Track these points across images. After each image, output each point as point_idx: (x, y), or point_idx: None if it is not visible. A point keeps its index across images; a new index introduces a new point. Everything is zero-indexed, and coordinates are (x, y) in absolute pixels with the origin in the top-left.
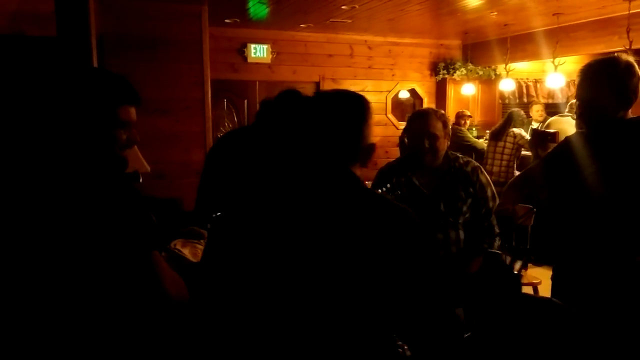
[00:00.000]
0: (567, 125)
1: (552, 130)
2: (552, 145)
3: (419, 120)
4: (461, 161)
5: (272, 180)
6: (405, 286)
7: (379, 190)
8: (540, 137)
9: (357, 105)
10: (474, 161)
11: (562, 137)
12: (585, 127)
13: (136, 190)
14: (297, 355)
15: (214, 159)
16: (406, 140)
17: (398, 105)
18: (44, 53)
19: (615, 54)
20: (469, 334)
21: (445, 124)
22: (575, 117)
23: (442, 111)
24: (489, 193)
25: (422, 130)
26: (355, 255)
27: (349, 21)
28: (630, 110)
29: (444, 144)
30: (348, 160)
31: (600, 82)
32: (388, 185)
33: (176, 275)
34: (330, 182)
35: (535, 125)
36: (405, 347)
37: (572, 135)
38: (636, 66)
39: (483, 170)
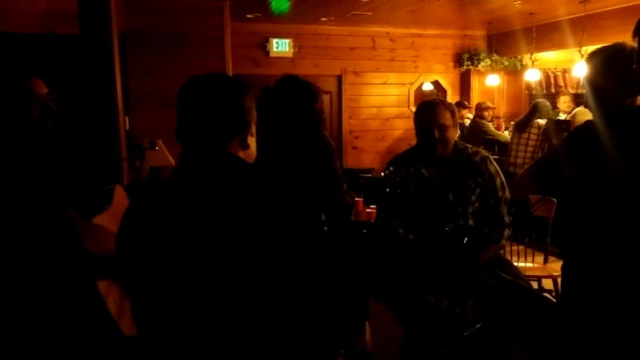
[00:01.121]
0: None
1: (566, 119)
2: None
3: (427, 111)
4: (470, 151)
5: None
6: (289, 251)
7: (382, 173)
8: (555, 126)
9: (222, 85)
10: (483, 151)
11: None
12: (594, 115)
13: (53, 156)
14: (201, 326)
15: None
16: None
17: (421, 98)
18: (71, 51)
19: (622, 41)
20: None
21: (453, 112)
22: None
23: (449, 101)
24: (498, 183)
25: (432, 121)
26: (231, 232)
27: (370, 14)
28: (639, 98)
29: (453, 134)
30: (220, 140)
31: (606, 70)
32: (391, 168)
33: (100, 230)
34: (202, 164)
35: (562, 116)
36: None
37: (590, 120)
38: None
39: (492, 160)
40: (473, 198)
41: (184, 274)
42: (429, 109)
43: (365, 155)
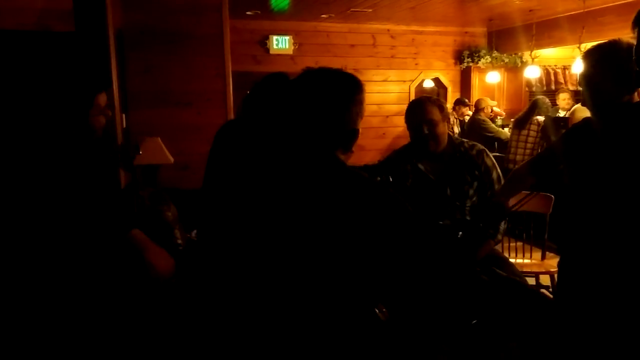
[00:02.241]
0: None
1: (565, 116)
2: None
3: (414, 109)
4: (466, 145)
5: (258, 166)
6: (387, 255)
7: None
8: (553, 123)
9: (342, 87)
10: (479, 145)
11: None
12: (591, 112)
13: (113, 173)
14: (278, 321)
15: (212, 149)
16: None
17: (421, 95)
18: (68, 48)
19: (618, 37)
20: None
21: (441, 107)
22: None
23: (437, 97)
24: (495, 176)
25: (420, 118)
26: (335, 228)
27: (370, 10)
28: (636, 94)
29: (443, 128)
30: (330, 145)
31: (602, 67)
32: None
33: (163, 251)
34: (311, 165)
35: (562, 113)
36: (384, 309)
37: (588, 118)
38: None
39: (489, 153)
40: (471, 192)
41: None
42: (416, 107)
43: (366, 153)
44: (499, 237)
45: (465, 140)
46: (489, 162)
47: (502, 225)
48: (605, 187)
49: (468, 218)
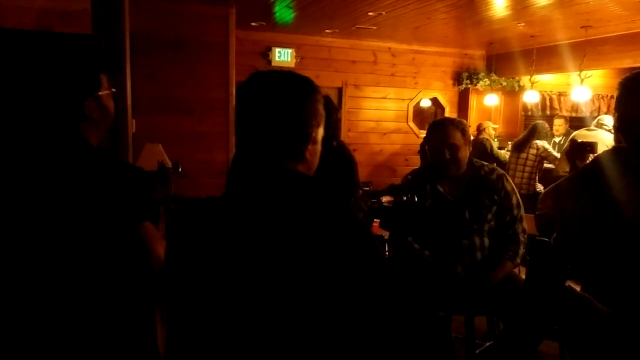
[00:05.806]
0: (592, 140)
1: (591, 141)
2: (591, 156)
3: (437, 131)
4: (486, 169)
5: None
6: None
7: (401, 181)
8: (579, 148)
9: (293, 85)
10: (499, 169)
11: None
12: (626, 142)
13: (123, 164)
14: None
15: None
16: (427, 151)
17: (419, 114)
18: (74, 49)
19: None
20: (490, 342)
21: (464, 131)
22: (612, 130)
23: (460, 119)
24: (514, 201)
25: (442, 142)
26: (296, 268)
27: (374, 28)
28: None
29: (465, 152)
30: (286, 156)
31: None
32: (409, 176)
33: None
34: (268, 186)
35: (557, 138)
36: None
37: (609, 150)
38: None
39: (508, 178)
40: (489, 216)
41: (237, 305)
42: (438, 130)
43: (362, 169)
44: (518, 260)
45: (486, 164)
46: (508, 187)
47: (521, 250)
48: (632, 220)
49: (487, 241)
